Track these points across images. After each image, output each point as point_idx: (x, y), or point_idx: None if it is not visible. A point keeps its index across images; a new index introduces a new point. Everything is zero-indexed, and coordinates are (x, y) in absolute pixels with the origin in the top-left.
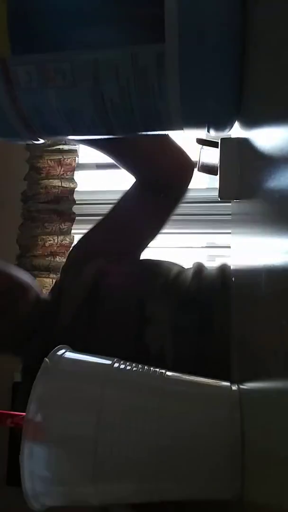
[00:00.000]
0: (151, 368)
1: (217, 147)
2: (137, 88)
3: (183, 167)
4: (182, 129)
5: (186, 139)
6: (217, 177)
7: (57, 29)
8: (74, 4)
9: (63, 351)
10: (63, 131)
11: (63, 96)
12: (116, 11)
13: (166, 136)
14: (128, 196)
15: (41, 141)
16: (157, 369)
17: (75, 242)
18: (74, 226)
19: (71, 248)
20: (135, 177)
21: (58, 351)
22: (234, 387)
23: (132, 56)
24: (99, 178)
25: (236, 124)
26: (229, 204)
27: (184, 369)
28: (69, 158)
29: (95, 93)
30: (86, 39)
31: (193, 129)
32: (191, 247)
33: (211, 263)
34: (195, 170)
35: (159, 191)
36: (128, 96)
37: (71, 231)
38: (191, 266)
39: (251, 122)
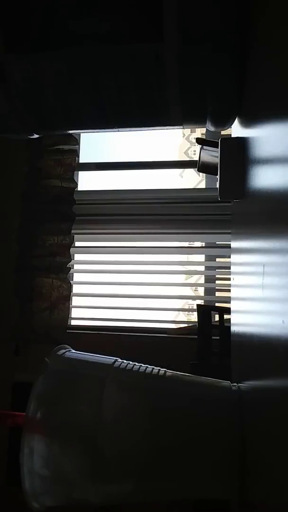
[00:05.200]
0: (152, 368)
1: (217, 147)
2: (135, 85)
3: None
4: (182, 125)
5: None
6: (217, 177)
7: (53, 28)
8: (71, 2)
9: (63, 350)
10: (59, 127)
11: (60, 94)
12: (114, 10)
13: None
14: None
15: (36, 136)
16: (158, 369)
17: (75, 242)
18: (74, 226)
19: None
20: None
21: (58, 350)
22: (234, 387)
23: (131, 54)
24: (99, 178)
25: (236, 124)
26: (229, 204)
27: None
28: (69, 158)
29: (92, 90)
30: (83, 38)
31: (193, 126)
32: (191, 247)
33: (211, 263)
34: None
35: None
36: (126, 93)
37: (71, 231)
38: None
39: (251, 122)
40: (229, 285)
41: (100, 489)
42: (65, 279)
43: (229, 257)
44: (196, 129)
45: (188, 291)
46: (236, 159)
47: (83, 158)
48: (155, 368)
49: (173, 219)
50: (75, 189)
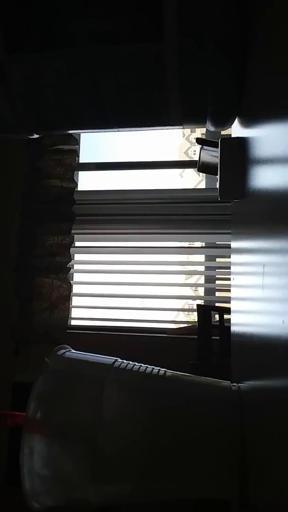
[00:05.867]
0: (152, 368)
1: (217, 147)
2: (135, 85)
3: None
4: (182, 125)
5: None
6: (217, 177)
7: (52, 28)
8: (71, 2)
9: (63, 350)
10: (59, 127)
11: (59, 94)
12: (114, 9)
13: None
14: None
15: (36, 136)
16: (158, 369)
17: (75, 242)
18: (74, 226)
19: None
20: None
21: (58, 350)
22: (234, 387)
23: (131, 54)
24: (99, 178)
25: (236, 124)
26: (229, 204)
27: None
28: (69, 158)
29: (92, 90)
30: (82, 38)
31: (193, 126)
32: (191, 247)
33: (211, 264)
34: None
35: None
36: (126, 93)
37: (71, 231)
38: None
39: (251, 122)
40: (229, 285)
41: (100, 489)
42: (65, 279)
43: (229, 257)
44: (196, 129)
45: (188, 291)
46: (236, 159)
47: (83, 158)
48: (155, 368)
49: (173, 219)
50: (75, 189)
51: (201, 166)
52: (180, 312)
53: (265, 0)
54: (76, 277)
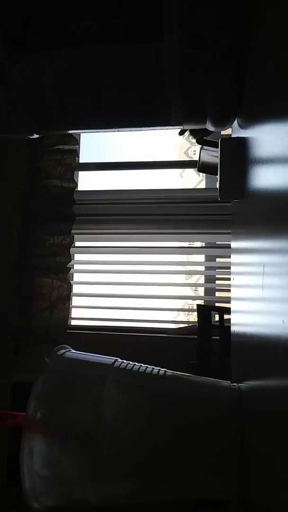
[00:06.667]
0: (152, 368)
1: (217, 147)
2: (135, 85)
3: None
4: (182, 125)
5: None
6: (217, 177)
7: (53, 28)
8: (71, 2)
9: (63, 350)
10: (59, 127)
11: (60, 94)
12: (114, 9)
13: None
14: None
15: (36, 136)
16: (158, 369)
17: (75, 242)
18: (74, 226)
19: None
20: None
21: (58, 350)
22: (234, 387)
23: (131, 54)
24: (99, 178)
25: (236, 124)
26: (229, 204)
27: None
28: (69, 158)
29: (92, 91)
30: (82, 38)
31: (193, 126)
32: (191, 247)
33: (211, 264)
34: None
35: None
36: (126, 93)
37: (71, 231)
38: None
39: (251, 122)
40: (229, 285)
41: (100, 489)
42: (65, 279)
43: (229, 257)
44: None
45: (188, 291)
46: (236, 159)
47: (83, 158)
48: (155, 368)
49: (173, 219)
50: (75, 189)
51: (201, 166)
52: (180, 312)
53: (265, 1)
54: (76, 277)
